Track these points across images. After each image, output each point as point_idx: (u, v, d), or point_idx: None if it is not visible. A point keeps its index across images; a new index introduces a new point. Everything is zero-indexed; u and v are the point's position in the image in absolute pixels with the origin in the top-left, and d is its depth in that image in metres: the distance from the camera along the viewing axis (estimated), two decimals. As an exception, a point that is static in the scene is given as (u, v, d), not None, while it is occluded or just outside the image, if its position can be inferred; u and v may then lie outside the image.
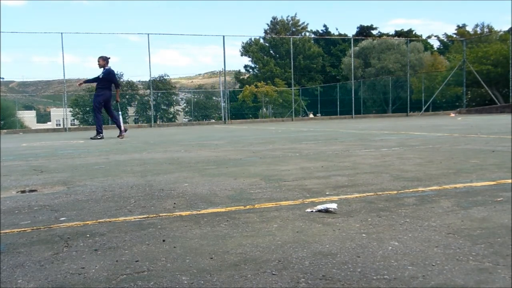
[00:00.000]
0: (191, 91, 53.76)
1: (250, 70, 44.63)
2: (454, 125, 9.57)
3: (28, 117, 48.20)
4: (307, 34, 45.85)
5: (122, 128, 8.99)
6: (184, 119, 42.73)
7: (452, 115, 18.23)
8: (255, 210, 1.92)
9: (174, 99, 43.63)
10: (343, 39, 38.28)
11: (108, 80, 9.15)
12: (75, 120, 42.32)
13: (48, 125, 48.22)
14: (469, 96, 26.83)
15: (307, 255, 1.30)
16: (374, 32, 41.53)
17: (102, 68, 9.13)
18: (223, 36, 18.77)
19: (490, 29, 33.33)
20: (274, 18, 45.31)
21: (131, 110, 43.62)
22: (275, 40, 41.77)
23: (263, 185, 2.53)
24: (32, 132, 18.22)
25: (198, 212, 1.91)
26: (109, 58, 9.22)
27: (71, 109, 41.21)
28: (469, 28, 35.33)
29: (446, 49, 36.40)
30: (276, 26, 44.47)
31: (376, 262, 1.22)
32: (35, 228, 1.75)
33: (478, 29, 34.55)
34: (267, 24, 45.41)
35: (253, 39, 43.45)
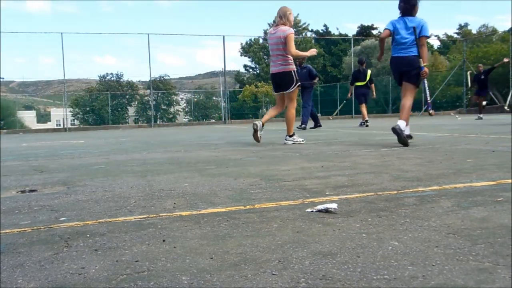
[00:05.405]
0: (191, 91, 53.76)
1: (250, 70, 44.60)
2: (454, 125, 9.56)
3: (28, 117, 48.11)
4: (308, 34, 45.84)
5: None
6: (184, 119, 42.68)
7: (452, 114, 18.24)
8: (255, 210, 1.92)
9: (174, 99, 43.58)
10: (344, 39, 38.25)
11: None
12: (75, 120, 42.29)
13: (48, 125, 48.20)
14: (469, 96, 26.81)
15: (307, 255, 1.30)
16: (374, 32, 41.52)
17: None
18: (223, 36, 18.80)
19: (493, 30, 33.33)
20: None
21: (131, 110, 43.61)
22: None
23: (263, 185, 2.53)
24: (32, 132, 18.23)
25: (198, 212, 1.91)
26: None
27: (71, 109, 41.16)
28: (470, 28, 35.41)
29: (447, 49, 36.36)
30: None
31: (376, 262, 1.22)
32: (35, 228, 1.75)
33: (483, 29, 34.56)
34: (268, 24, 45.36)
35: (253, 39, 43.43)
